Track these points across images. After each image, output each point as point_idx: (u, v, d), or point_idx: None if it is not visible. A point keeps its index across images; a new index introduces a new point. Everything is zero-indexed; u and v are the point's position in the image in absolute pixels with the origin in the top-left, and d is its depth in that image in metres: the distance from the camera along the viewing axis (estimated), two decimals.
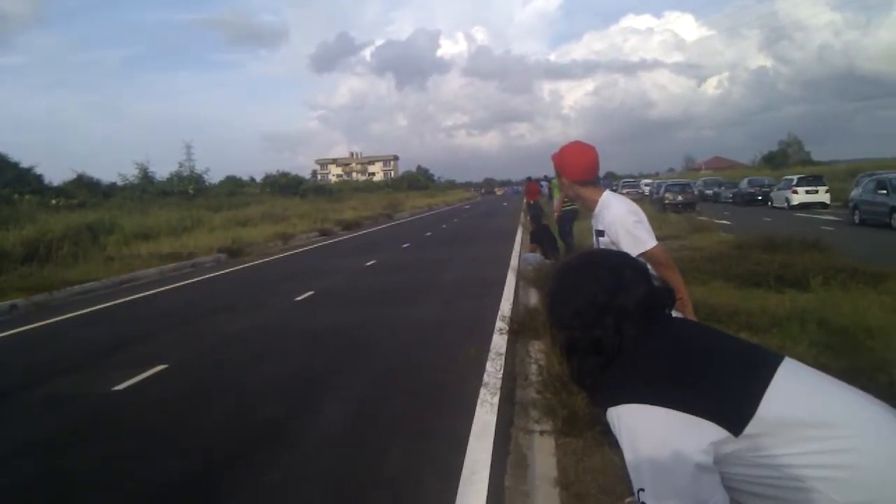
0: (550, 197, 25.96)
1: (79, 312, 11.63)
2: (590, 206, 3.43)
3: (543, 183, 30.96)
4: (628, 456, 1.38)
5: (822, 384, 1.43)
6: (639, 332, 1.50)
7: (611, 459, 3.72)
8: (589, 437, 4.06)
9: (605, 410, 1.46)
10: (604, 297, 1.52)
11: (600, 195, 3.35)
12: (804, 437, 1.32)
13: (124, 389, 6.51)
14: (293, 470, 4.44)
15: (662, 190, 38.23)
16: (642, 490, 1.33)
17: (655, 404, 1.35)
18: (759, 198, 37.12)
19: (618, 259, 1.65)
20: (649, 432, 1.34)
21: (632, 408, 1.37)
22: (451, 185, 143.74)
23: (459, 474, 4.03)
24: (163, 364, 7.32)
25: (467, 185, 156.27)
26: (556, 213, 22.37)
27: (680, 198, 34.54)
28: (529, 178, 30.05)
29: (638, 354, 1.47)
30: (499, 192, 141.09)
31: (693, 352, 1.48)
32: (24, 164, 38.86)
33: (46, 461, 4.86)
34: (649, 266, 1.68)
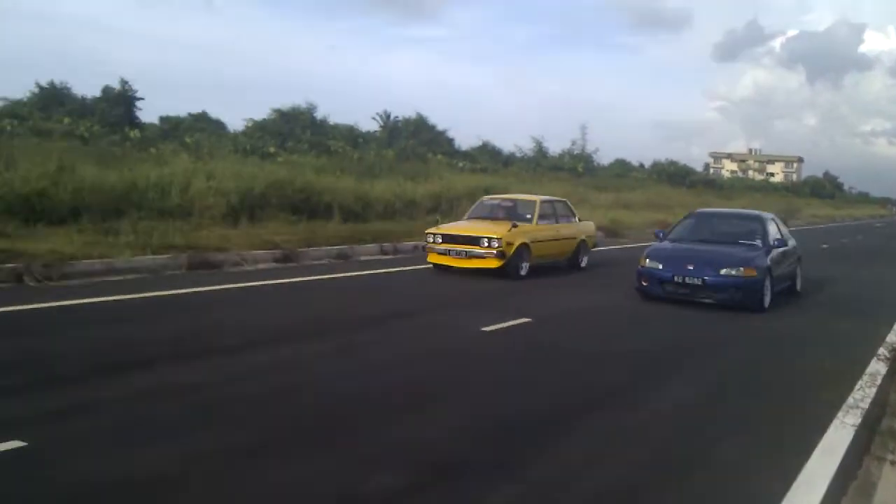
0: None
1: None
2: None
3: None
4: None
5: None
6: None
7: None
8: None
9: None
10: None
11: None
12: None
13: (490, 332, 7.38)
14: (627, 430, 4.69)
15: None
16: None
17: None
18: None
19: None
20: None
21: None
22: (864, 199, 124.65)
23: (793, 481, 3.85)
24: (527, 318, 8.06)
25: (884, 201, 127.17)
26: None
27: None
28: None
29: None
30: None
31: None
32: (440, 127, 43.94)
33: (405, 373, 5.84)
34: None
